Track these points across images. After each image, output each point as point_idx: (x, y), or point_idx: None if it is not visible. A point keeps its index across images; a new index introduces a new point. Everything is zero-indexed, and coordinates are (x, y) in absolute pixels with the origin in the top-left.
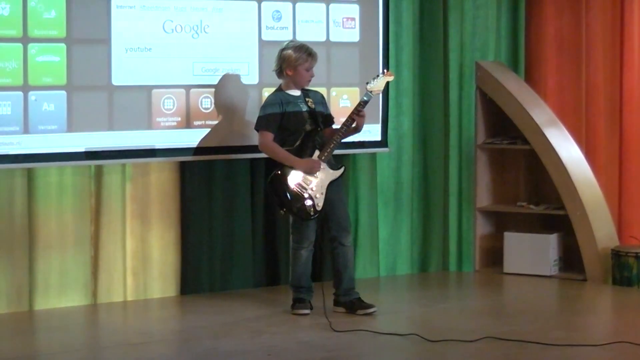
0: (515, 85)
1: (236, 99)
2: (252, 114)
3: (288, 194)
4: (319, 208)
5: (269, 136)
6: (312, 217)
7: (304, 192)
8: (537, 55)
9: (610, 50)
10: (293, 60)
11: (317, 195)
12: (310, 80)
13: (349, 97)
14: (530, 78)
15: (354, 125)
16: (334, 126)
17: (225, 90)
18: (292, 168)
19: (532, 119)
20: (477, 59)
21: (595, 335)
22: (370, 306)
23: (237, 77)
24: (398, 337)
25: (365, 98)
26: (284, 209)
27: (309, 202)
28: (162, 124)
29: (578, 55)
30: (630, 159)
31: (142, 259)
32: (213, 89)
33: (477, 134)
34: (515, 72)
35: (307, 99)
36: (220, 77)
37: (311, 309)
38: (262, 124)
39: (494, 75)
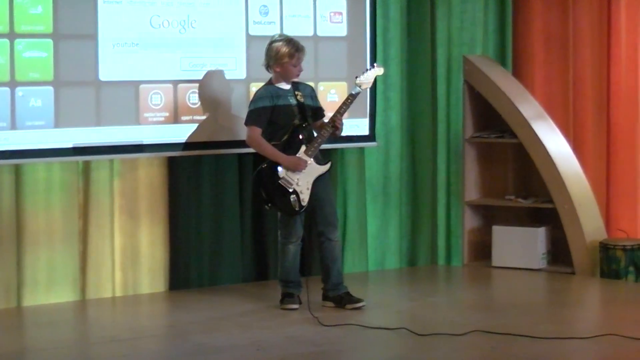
0: (502, 79)
1: (221, 95)
2: (239, 109)
3: (273, 189)
4: (304, 203)
5: (257, 131)
6: (298, 212)
7: (289, 187)
8: (525, 50)
9: (597, 44)
10: (280, 56)
11: (303, 191)
12: (299, 75)
13: (336, 92)
14: (518, 72)
15: (333, 130)
16: (325, 119)
17: (210, 87)
18: (278, 164)
19: (520, 112)
20: (465, 53)
21: (584, 328)
22: (358, 300)
23: (221, 72)
24: (387, 331)
25: (353, 92)
26: (269, 204)
27: (294, 197)
28: (149, 119)
29: (565, 49)
30: (617, 152)
31: (131, 254)
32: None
33: (465, 128)
34: (503, 66)
35: (296, 93)
36: (203, 74)
37: (300, 303)
38: (252, 118)
39: (481, 69)
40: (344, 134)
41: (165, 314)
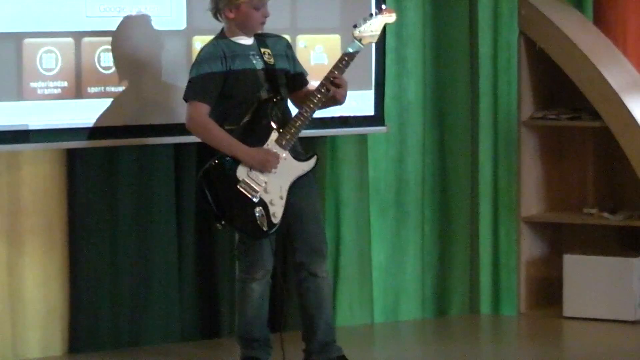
0: (579, 31)
1: (148, 54)
2: (175, 76)
3: (229, 198)
4: (276, 220)
5: (203, 109)
6: (266, 234)
7: (253, 196)
8: None
9: None
10: None
11: (274, 200)
12: (264, 22)
13: (324, 50)
14: (602, 20)
15: (330, 93)
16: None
17: (130, 42)
18: (236, 159)
19: (606, 81)
20: None
21: None
22: None
23: (147, 19)
24: None
25: (350, 49)
26: (223, 221)
27: (260, 211)
28: (39, 91)
29: None
30: None
31: (10, 299)
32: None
33: (521, 105)
34: (580, 11)
35: (262, 50)
36: (120, 22)
37: None
38: (194, 90)
39: (547, 15)
40: (335, 112)
41: None
